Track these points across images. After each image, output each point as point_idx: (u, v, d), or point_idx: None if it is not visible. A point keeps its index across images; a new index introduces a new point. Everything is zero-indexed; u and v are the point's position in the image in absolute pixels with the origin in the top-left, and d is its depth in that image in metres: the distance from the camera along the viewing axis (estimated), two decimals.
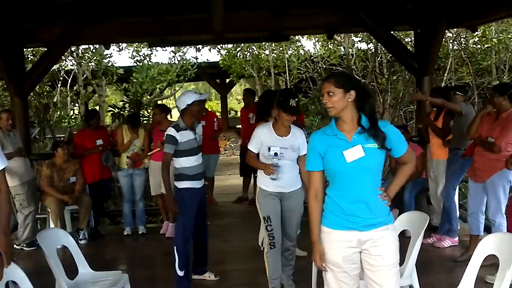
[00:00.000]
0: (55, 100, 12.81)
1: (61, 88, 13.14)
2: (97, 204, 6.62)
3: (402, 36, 11.94)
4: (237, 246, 6.08)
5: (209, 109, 8.91)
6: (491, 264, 3.17)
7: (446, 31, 8.14)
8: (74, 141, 6.97)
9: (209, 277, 4.97)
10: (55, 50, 6.97)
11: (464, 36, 12.63)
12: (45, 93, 12.30)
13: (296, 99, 4.13)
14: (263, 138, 4.20)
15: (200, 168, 4.64)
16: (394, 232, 2.78)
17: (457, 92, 5.77)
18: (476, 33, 10.51)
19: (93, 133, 6.64)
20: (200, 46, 15.14)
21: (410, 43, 11.50)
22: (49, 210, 6.17)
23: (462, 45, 12.91)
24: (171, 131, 4.49)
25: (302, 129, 4.47)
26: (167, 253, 5.91)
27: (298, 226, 4.40)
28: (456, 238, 5.71)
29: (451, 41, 12.38)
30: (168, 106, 7.58)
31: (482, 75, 13.02)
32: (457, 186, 5.78)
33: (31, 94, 9.33)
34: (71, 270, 3.79)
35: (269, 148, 4.17)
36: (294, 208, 4.32)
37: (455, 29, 11.19)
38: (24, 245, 6.02)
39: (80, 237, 6.23)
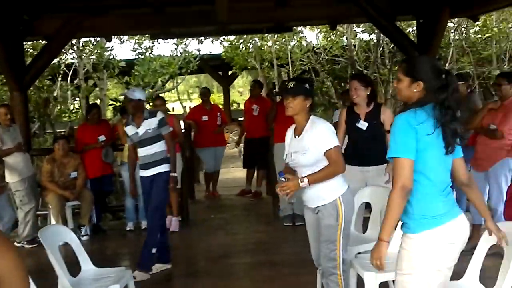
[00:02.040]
0: (55, 94, 12.74)
1: (62, 82, 13.06)
2: (98, 200, 6.58)
3: (404, 27, 11.85)
4: (241, 239, 6.05)
5: (212, 103, 8.86)
6: (494, 253, 3.13)
7: (448, 20, 8.06)
8: (75, 136, 6.93)
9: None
10: (55, 43, 6.92)
11: (465, 26, 12.55)
12: (45, 87, 12.23)
13: (296, 82, 3.50)
14: (287, 142, 3.61)
15: (148, 159, 4.94)
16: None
17: (458, 82, 5.67)
18: (477, 22, 10.43)
19: (94, 127, 6.60)
20: (203, 38, 15.05)
21: (412, 33, 11.41)
22: (50, 206, 6.12)
23: (463, 35, 12.83)
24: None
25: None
26: (171, 248, 5.92)
27: (334, 245, 3.38)
28: None
29: (452, 31, 12.30)
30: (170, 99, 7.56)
31: (483, 64, 12.97)
32: None
33: (31, 88, 9.27)
34: (74, 267, 3.74)
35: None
36: (324, 226, 3.41)
37: (456, 19, 11.11)
38: (25, 242, 5.97)
39: (82, 233, 6.18)
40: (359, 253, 3.77)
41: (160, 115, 4.94)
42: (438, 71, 2.55)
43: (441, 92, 2.47)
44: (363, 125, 4.52)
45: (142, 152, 4.96)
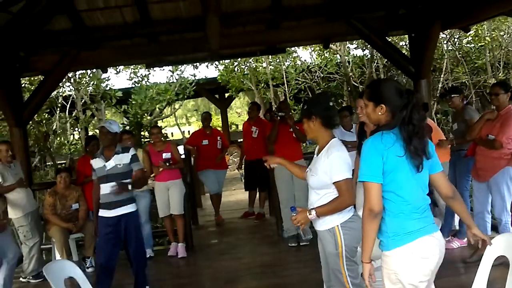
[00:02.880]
0: (54, 127, 12.81)
1: (60, 114, 13.14)
2: None
3: (396, 41, 11.97)
4: (247, 263, 6.02)
5: (213, 127, 8.90)
6: (500, 263, 3.13)
7: (440, 32, 8.16)
8: (76, 168, 6.94)
9: None
10: (52, 77, 6.98)
11: (458, 36, 12.66)
12: (44, 121, 12.31)
13: (304, 104, 3.50)
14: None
15: (113, 197, 4.61)
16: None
17: (453, 95, 5.68)
18: (469, 32, 10.53)
19: None
20: (198, 63, 15.18)
21: (405, 46, 11.52)
22: (54, 240, 6.11)
23: (456, 45, 12.95)
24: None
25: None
26: (177, 275, 5.91)
27: (340, 273, 3.29)
28: (465, 240, 5.66)
29: (445, 42, 12.41)
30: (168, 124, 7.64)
31: (478, 73, 13.05)
32: (469, 187, 5.73)
33: (30, 122, 9.32)
34: None
35: None
36: (327, 254, 3.36)
37: (448, 30, 11.22)
38: (31, 277, 5.94)
39: (87, 265, 6.15)
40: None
41: (132, 151, 4.81)
42: (400, 92, 2.63)
43: (402, 111, 2.56)
44: None
45: (105, 188, 4.65)
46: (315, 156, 3.42)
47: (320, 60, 14.09)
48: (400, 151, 2.54)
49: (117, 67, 14.27)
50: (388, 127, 2.60)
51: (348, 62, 13.43)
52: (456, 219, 5.85)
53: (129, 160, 4.74)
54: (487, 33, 12.15)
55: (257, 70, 15.39)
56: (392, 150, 2.54)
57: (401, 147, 2.55)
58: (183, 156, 7.35)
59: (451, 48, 12.80)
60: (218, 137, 8.28)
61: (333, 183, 3.19)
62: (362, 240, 2.60)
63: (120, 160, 4.70)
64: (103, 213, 4.70)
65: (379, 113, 2.65)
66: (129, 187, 4.71)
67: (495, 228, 5.24)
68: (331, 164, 3.19)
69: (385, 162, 2.54)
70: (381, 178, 2.54)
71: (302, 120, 3.38)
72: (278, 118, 6.31)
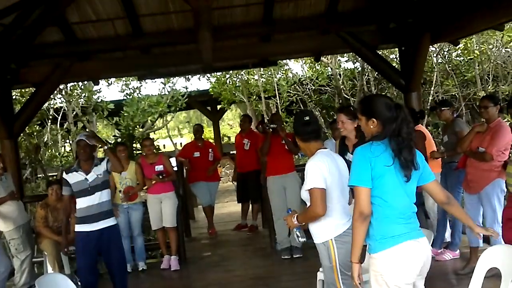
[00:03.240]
0: (45, 139, 12.75)
1: (51, 126, 13.10)
2: None
3: (387, 54, 12.08)
4: (240, 275, 6.00)
5: (205, 139, 8.91)
6: (492, 275, 3.15)
7: (430, 45, 8.26)
8: None
9: None
10: (43, 89, 6.98)
11: (447, 49, 12.80)
12: (35, 133, 12.25)
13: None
14: None
15: (94, 210, 4.55)
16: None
17: (443, 108, 5.74)
18: (458, 46, 10.66)
19: None
20: (190, 76, 15.21)
21: (395, 59, 11.63)
22: (46, 253, 6.06)
23: (446, 58, 13.08)
24: (63, 173, 4.70)
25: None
26: None
27: (335, 286, 3.34)
28: (457, 252, 5.69)
29: (434, 55, 12.53)
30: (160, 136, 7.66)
31: (468, 86, 13.17)
32: (460, 199, 5.77)
33: (21, 135, 9.28)
34: None
35: None
36: (323, 266, 3.46)
37: (438, 44, 11.34)
38: None
39: (79, 279, 6.10)
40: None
41: (106, 159, 4.74)
42: (389, 107, 2.81)
43: (391, 123, 2.74)
44: (350, 157, 4.49)
45: (86, 202, 4.55)
46: None
47: (312, 73, 14.17)
48: (389, 161, 2.72)
49: (109, 79, 14.26)
50: (378, 138, 2.79)
51: (339, 74, 13.52)
52: (448, 231, 5.88)
53: (106, 168, 4.68)
54: (476, 47, 12.29)
55: (249, 82, 15.43)
56: (380, 158, 2.73)
57: (389, 156, 2.72)
58: (175, 168, 7.35)
59: (441, 61, 12.93)
60: (210, 149, 8.29)
61: (306, 190, 3.24)
62: (352, 242, 2.76)
63: (98, 170, 4.66)
64: (83, 227, 4.56)
65: (371, 126, 2.85)
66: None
67: (487, 240, 5.28)
68: (306, 173, 3.26)
69: (373, 168, 2.72)
70: (369, 183, 2.72)
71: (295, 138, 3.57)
72: (270, 130, 6.34)
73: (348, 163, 4.43)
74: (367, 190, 2.72)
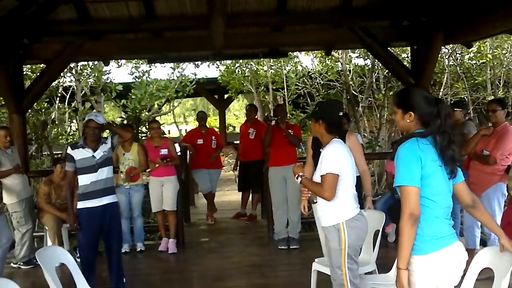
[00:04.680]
0: (53, 116, 12.81)
1: (59, 104, 13.14)
2: None
3: (398, 52, 12.03)
4: (236, 262, 6.05)
5: (208, 126, 8.92)
6: (487, 278, 3.16)
7: (442, 47, 8.22)
8: None
9: None
10: (53, 66, 7.00)
11: (460, 52, 12.74)
12: (43, 110, 12.30)
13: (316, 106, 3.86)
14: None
15: (99, 186, 4.60)
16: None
17: (456, 109, 5.73)
18: (472, 49, 10.61)
19: None
20: (199, 62, 15.22)
21: (406, 59, 11.58)
22: (47, 228, 6.12)
23: (458, 60, 13.02)
24: (68, 149, 4.72)
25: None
26: (166, 271, 5.94)
27: (341, 269, 3.41)
28: None
29: (447, 56, 12.48)
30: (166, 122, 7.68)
31: (477, 90, 13.12)
32: None
33: (29, 110, 9.33)
34: None
35: None
36: (330, 249, 3.49)
37: (450, 45, 11.29)
38: (22, 263, 5.96)
39: (78, 255, 6.17)
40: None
41: (110, 138, 4.85)
42: (429, 100, 2.68)
43: (435, 120, 2.60)
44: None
45: (91, 178, 4.59)
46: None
47: (321, 67, 14.12)
48: (436, 158, 2.59)
49: (119, 61, 14.28)
50: (422, 135, 2.64)
51: (349, 70, 13.48)
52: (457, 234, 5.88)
53: (111, 146, 4.79)
54: (489, 51, 12.23)
55: (258, 73, 15.42)
56: (430, 156, 2.58)
57: (435, 154, 2.60)
58: (179, 153, 7.38)
59: (452, 64, 12.87)
60: (213, 137, 8.29)
61: (321, 175, 3.37)
62: (400, 246, 2.57)
63: (105, 147, 4.73)
64: (87, 203, 4.59)
65: (408, 120, 2.69)
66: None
67: (484, 243, 5.30)
68: (323, 158, 3.41)
69: (423, 167, 2.56)
70: (419, 182, 2.56)
71: (310, 118, 3.64)
72: (272, 121, 6.35)
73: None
74: (417, 190, 2.55)
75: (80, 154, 4.63)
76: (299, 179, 3.52)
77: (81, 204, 4.62)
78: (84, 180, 4.61)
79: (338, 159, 3.38)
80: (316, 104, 3.35)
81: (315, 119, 3.52)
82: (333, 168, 3.33)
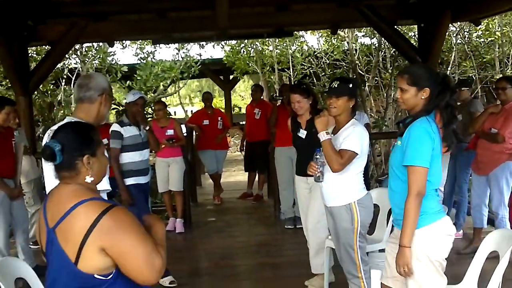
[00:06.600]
0: (59, 98, 12.82)
1: (65, 86, 13.14)
2: None
3: (405, 31, 11.89)
4: (243, 241, 6.11)
5: (215, 107, 8.91)
6: (494, 257, 3.17)
7: (450, 25, 8.11)
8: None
9: (165, 282, 4.65)
10: (59, 48, 6.98)
11: (468, 29, 12.57)
12: (49, 92, 12.32)
13: (341, 82, 3.45)
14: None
15: (145, 164, 4.76)
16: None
17: (463, 88, 5.69)
18: (480, 26, 10.46)
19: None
20: (204, 43, 15.12)
21: (413, 37, 11.46)
22: None
23: (466, 39, 12.86)
24: (115, 126, 4.73)
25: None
26: (173, 250, 5.97)
27: (352, 248, 3.48)
28: (461, 232, 5.71)
29: (454, 35, 12.32)
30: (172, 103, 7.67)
31: (485, 68, 12.98)
32: (468, 180, 5.77)
33: (36, 92, 9.34)
34: None
35: None
36: (336, 230, 3.56)
37: (458, 23, 11.15)
38: (31, 243, 6.03)
39: None
40: (367, 253, 3.83)
41: None
42: (437, 75, 2.69)
43: (443, 95, 2.61)
44: (302, 133, 4.46)
45: (139, 156, 4.71)
46: (332, 136, 3.46)
47: (327, 46, 14.00)
48: (440, 137, 2.62)
49: (124, 42, 14.22)
50: (426, 113, 2.63)
51: (355, 49, 13.36)
52: (452, 212, 5.90)
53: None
54: (498, 28, 12.07)
55: (263, 53, 15.32)
56: (439, 138, 2.60)
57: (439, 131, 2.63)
58: (185, 134, 7.39)
59: (460, 42, 12.72)
60: (219, 118, 8.29)
61: (342, 149, 3.33)
62: (406, 224, 2.60)
63: (142, 129, 4.87)
64: (136, 180, 4.67)
65: (422, 97, 2.66)
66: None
67: (492, 222, 5.30)
68: (351, 134, 3.36)
69: (434, 148, 2.58)
70: (429, 163, 2.58)
71: (332, 95, 3.38)
72: (277, 102, 6.32)
73: (301, 139, 4.45)
74: (427, 170, 2.57)
75: (128, 131, 4.72)
76: (325, 136, 3.33)
77: (132, 180, 4.66)
78: (132, 157, 4.68)
79: (364, 140, 3.40)
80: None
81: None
82: (357, 147, 3.35)
